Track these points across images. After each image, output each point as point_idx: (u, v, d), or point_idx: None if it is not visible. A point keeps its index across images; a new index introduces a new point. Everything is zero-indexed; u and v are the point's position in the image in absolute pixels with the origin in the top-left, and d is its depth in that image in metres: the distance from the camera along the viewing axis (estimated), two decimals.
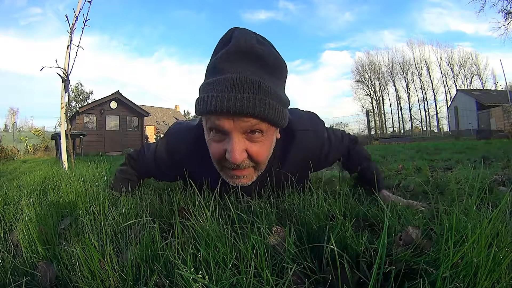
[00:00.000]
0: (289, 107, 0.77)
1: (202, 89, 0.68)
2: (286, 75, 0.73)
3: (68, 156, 2.50)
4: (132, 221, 0.80)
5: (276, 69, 0.67)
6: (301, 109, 0.99)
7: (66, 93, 2.49)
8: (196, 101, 0.68)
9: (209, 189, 0.85)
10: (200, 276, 0.50)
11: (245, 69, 0.62)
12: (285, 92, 0.73)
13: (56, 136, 6.37)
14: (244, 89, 0.61)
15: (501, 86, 29.97)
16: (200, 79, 0.74)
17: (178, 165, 0.92)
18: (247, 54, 0.63)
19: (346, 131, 1.16)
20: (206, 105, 0.63)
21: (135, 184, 1.11)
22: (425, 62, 37.87)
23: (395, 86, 39.24)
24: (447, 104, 33.99)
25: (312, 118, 0.94)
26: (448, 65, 36.94)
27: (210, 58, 0.70)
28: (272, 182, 0.86)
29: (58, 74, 2.44)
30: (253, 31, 0.69)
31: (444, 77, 37.01)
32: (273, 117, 0.64)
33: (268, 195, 0.88)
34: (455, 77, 36.50)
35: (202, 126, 0.76)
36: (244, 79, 0.61)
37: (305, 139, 0.86)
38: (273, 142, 0.75)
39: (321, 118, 0.98)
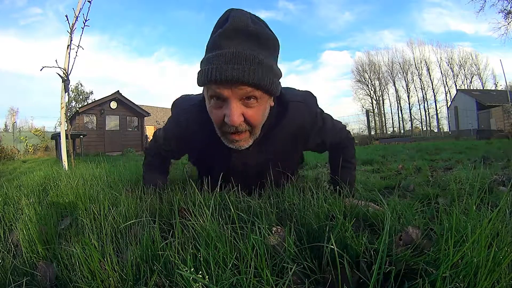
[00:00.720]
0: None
1: (203, 63, 0.76)
2: (279, 50, 0.81)
3: (68, 156, 2.50)
4: (132, 221, 0.80)
5: (268, 44, 0.76)
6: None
7: (66, 93, 2.49)
8: (198, 73, 0.76)
9: (216, 168, 0.96)
10: (200, 276, 0.50)
11: (240, 44, 0.71)
12: (278, 65, 0.81)
13: (56, 136, 6.37)
14: (240, 61, 0.70)
15: (501, 86, 29.99)
16: None
17: (186, 139, 1.00)
18: (242, 32, 0.71)
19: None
20: (207, 76, 0.72)
21: (165, 169, 1.20)
22: (425, 62, 37.90)
23: (395, 86, 39.29)
24: (447, 104, 34.02)
25: (306, 93, 1.00)
26: (448, 65, 36.98)
27: (209, 36, 0.78)
28: (268, 150, 0.94)
29: (58, 74, 2.44)
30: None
31: (444, 77, 37.04)
32: (265, 85, 0.73)
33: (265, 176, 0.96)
34: (455, 77, 36.53)
35: (204, 99, 0.85)
36: (240, 53, 0.70)
37: (297, 110, 0.92)
38: (267, 109, 0.83)
39: (315, 96, 1.02)
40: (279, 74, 0.80)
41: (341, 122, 1.13)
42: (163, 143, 1.10)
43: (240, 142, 0.83)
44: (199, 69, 0.77)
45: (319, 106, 1.03)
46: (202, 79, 0.74)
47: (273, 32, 0.79)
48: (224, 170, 0.96)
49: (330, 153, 1.15)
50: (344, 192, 0.85)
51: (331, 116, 1.08)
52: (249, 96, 0.74)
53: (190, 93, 1.09)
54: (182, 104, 1.01)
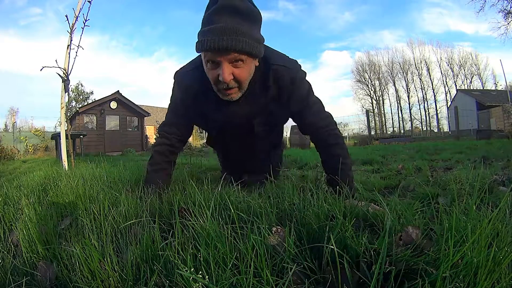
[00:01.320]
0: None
1: (200, 35, 0.93)
2: (261, 20, 0.98)
3: (68, 156, 2.49)
4: (132, 221, 0.80)
5: (250, 17, 0.92)
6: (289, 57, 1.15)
7: (66, 93, 2.49)
8: (196, 43, 0.94)
9: (211, 124, 1.22)
10: (200, 276, 0.50)
11: (227, 19, 0.88)
12: (261, 33, 0.99)
13: (56, 136, 6.37)
14: (228, 33, 0.87)
15: (501, 86, 29.99)
16: None
17: (191, 101, 1.18)
18: (229, 8, 0.89)
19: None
20: (203, 46, 0.90)
21: (168, 170, 1.27)
22: (425, 62, 37.88)
23: (395, 86, 39.27)
24: (447, 104, 34.02)
25: (291, 60, 1.12)
26: (448, 65, 36.96)
27: (204, 12, 0.95)
28: (254, 102, 1.10)
29: (58, 74, 2.44)
30: None
31: (444, 77, 37.03)
32: (248, 50, 0.91)
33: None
34: (455, 77, 36.51)
35: (200, 64, 1.03)
36: (227, 26, 0.88)
37: (278, 72, 1.07)
38: (252, 69, 1.01)
39: (299, 65, 1.13)
40: (261, 40, 0.97)
41: (323, 107, 1.21)
42: (173, 116, 1.25)
43: (231, 95, 1.02)
44: (197, 39, 0.94)
45: (304, 78, 1.14)
46: (200, 48, 0.93)
47: (255, 6, 0.97)
48: (221, 121, 1.17)
49: (323, 151, 1.18)
50: (344, 193, 0.85)
51: (312, 90, 1.17)
52: (237, 59, 0.93)
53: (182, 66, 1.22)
54: (184, 71, 1.19)
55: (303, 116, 1.15)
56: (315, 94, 1.18)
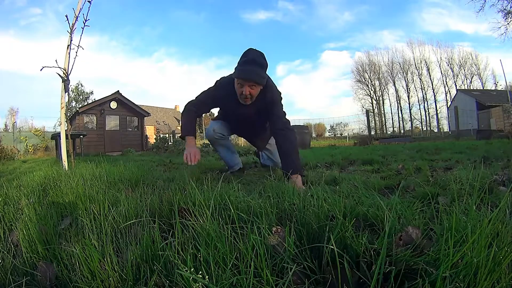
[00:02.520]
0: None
1: (237, 68, 1.72)
2: (267, 67, 1.75)
3: (68, 156, 2.49)
4: (132, 221, 0.80)
5: (262, 66, 1.72)
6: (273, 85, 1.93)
7: (66, 93, 2.49)
8: (234, 73, 1.73)
9: (229, 110, 2.04)
10: (200, 276, 0.50)
11: (251, 66, 1.68)
12: (266, 73, 1.78)
13: (56, 136, 6.37)
14: (250, 73, 1.68)
15: (501, 86, 29.98)
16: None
17: (216, 94, 1.95)
18: (254, 61, 1.68)
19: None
20: (239, 75, 1.71)
21: (194, 122, 1.98)
22: (425, 62, 37.87)
23: (395, 86, 39.26)
24: (447, 104, 33.99)
25: (275, 88, 1.93)
26: (448, 65, 36.94)
27: (238, 60, 1.72)
28: (256, 107, 1.90)
29: (58, 74, 2.44)
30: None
31: (444, 77, 37.01)
32: (259, 82, 1.73)
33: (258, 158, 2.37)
34: (455, 77, 36.50)
35: (232, 81, 1.82)
36: (251, 69, 1.68)
37: (268, 92, 1.85)
38: (258, 91, 1.79)
39: (280, 95, 1.94)
40: (265, 78, 1.77)
41: (285, 115, 1.93)
42: (204, 98, 1.98)
43: (247, 102, 1.82)
44: (235, 71, 1.73)
45: (280, 99, 1.93)
46: (237, 76, 1.73)
47: (265, 59, 1.74)
48: (233, 114, 2.04)
49: (280, 142, 1.83)
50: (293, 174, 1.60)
51: (282, 106, 1.95)
52: (252, 85, 1.73)
53: (225, 75, 1.99)
54: (221, 80, 1.97)
55: (274, 118, 1.90)
56: (284, 108, 1.97)
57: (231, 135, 2.41)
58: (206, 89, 1.99)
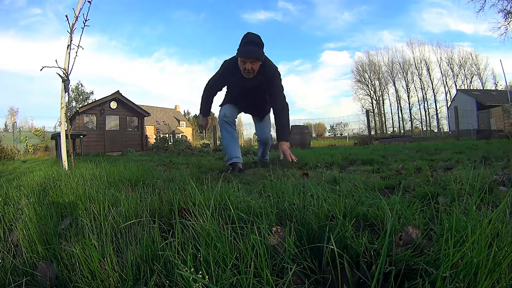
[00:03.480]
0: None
1: (239, 49, 2.16)
2: (263, 46, 2.19)
3: (68, 156, 2.49)
4: (132, 221, 0.80)
5: (259, 45, 2.16)
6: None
7: (66, 93, 2.49)
8: (237, 52, 2.17)
9: (235, 85, 2.40)
10: (200, 276, 0.50)
11: (252, 46, 2.14)
12: (263, 51, 2.23)
13: (56, 136, 6.37)
14: (253, 52, 2.13)
15: (501, 86, 30.00)
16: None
17: (225, 72, 2.37)
18: (253, 42, 2.14)
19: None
20: (242, 54, 2.15)
21: (211, 99, 2.58)
22: (425, 62, 37.87)
23: (395, 86, 39.26)
24: (447, 104, 33.99)
25: (273, 65, 2.35)
26: (448, 65, 36.95)
27: (240, 42, 2.18)
28: (257, 80, 2.28)
29: (58, 74, 2.44)
30: (252, 31, 2.42)
31: (444, 77, 37.02)
32: (258, 58, 2.17)
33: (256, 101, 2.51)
34: (455, 77, 36.50)
35: (235, 61, 2.26)
36: (252, 48, 2.14)
37: (267, 67, 2.27)
38: (259, 65, 2.21)
39: (278, 70, 2.37)
40: (263, 54, 2.19)
41: (283, 90, 2.41)
42: (215, 78, 2.46)
43: (249, 76, 2.21)
44: (238, 51, 2.16)
45: (279, 74, 2.37)
46: (240, 54, 2.14)
47: (262, 40, 2.17)
48: (239, 88, 2.38)
49: (277, 116, 2.37)
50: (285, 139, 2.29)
51: (281, 80, 2.39)
52: (253, 61, 2.15)
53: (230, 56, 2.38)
54: (226, 62, 2.38)
55: (274, 93, 2.38)
56: (283, 84, 2.41)
57: (239, 113, 2.71)
58: (215, 72, 2.48)
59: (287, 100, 2.41)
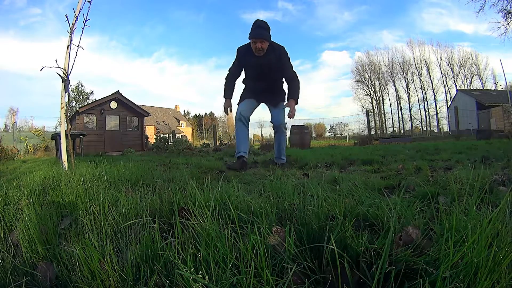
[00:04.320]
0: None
1: (251, 33, 2.61)
2: (270, 29, 2.67)
3: (68, 156, 2.49)
4: (132, 221, 0.80)
5: (267, 28, 2.65)
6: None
7: (66, 93, 2.49)
8: (249, 34, 2.63)
9: (249, 64, 2.83)
10: (200, 276, 0.50)
11: (260, 29, 2.61)
12: (270, 33, 2.71)
13: (56, 136, 6.36)
14: (261, 33, 2.61)
15: (501, 86, 30.00)
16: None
17: (239, 56, 2.84)
18: (261, 26, 2.64)
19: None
20: (253, 35, 2.61)
21: (233, 84, 2.99)
22: (425, 62, 37.86)
23: (395, 86, 39.25)
24: (447, 104, 33.98)
25: (280, 45, 2.77)
26: (448, 65, 36.94)
27: (251, 27, 2.64)
28: (268, 58, 2.70)
29: (58, 74, 2.44)
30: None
31: (444, 77, 37.01)
32: (267, 38, 2.64)
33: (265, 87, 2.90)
34: (455, 77, 36.49)
35: (247, 45, 2.78)
36: (260, 31, 2.61)
37: (276, 48, 2.73)
38: (268, 44, 2.67)
39: (284, 47, 2.79)
40: (270, 36, 2.66)
41: (292, 67, 2.85)
42: (234, 63, 2.92)
43: (260, 54, 2.66)
44: (250, 33, 2.62)
45: (287, 53, 2.78)
46: (250, 36, 2.62)
47: (269, 25, 2.67)
48: (254, 67, 2.79)
49: (289, 83, 2.83)
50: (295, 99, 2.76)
51: (289, 58, 2.82)
52: (263, 41, 2.61)
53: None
54: (239, 47, 2.84)
55: (284, 68, 2.79)
56: (293, 64, 2.87)
57: (254, 108, 3.03)
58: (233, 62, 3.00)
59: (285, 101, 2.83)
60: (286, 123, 2.97)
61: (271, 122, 2.99)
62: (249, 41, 2.66)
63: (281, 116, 2.91)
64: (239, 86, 3.07)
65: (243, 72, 2.94)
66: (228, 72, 2.94)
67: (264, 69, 2.74)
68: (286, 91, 2.88)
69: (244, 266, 0.53)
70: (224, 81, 2.93)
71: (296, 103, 2.74)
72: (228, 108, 2.91)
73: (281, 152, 2.98)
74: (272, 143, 3.20)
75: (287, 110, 2.75)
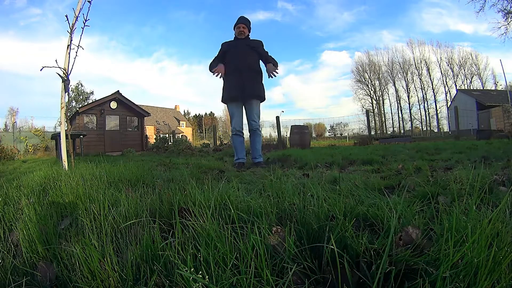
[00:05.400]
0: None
1: (236, 24, 3.43)
2: (250, 23, 3.50)
3: (68, 156, 2.49)
4: (132, 221, 0.80)
5: (248, 22, 3.45)
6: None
7: (66, 93, 2.49)
8: (235, 23, 3.45)
9: (231, 47, 3.40)
10: (200, 276, 0.50)
11: (242, 19, 3.42)
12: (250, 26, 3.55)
13: (56, 136, 6.37)
14: (243, 20, 3.41)
15: (501, 86, 30.01)
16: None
17: (223, 46, 3.42)
18: (243, 17, 3.44)
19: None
20: (235, 24, 3.44)
21: (218, 61, 3.38)
22: (425, 62, 37.85)
23: (395, 86, 39.24)
24: (447, 104, 33.98)
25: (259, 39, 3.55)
26: (448, 65, 36.93)
27: (235, 21, 3.47)
28: (248, 43, 3.37)
29: (58, 74, 2.44)
30: (252, 31, 3.60)
31: (444, 77, 37.01)
32: (247, 25, 3.43)
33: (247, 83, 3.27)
34: (455, 77, 36.48)
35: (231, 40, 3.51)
36: (243, 19, 3.42)
37: (254, 39, 3.45)
38: (249, 32, 3.47)
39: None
40: (250, 25, 3.45)
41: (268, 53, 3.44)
42: (218, 52, 3.43)
43: (242, 36, 3.37)
44: (235, 23, 3.43)
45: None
46: (234, 24, 3.43)
47: (249, 20, 3.48)
48: (235, 46, 3.35)
49: (268, 60, 3.31)
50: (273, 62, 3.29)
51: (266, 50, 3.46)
52: (243, 26, 3.37)
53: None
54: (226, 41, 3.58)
55: (261, 51, 3.34)
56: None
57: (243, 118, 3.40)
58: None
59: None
60: (259, 125, 3.38)
61: (247, 121, 3.35)
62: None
63: (255, 113, 3.26)
64: (220, 84, 3.46)
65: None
66: (212, 60, 3.37)
67: (244, 48, 3.27)
68: (264, 86, 3.35)
69: (244, 266, 0.53)
70: (209, 67, 3.33)
71: (276, 67, 3.22)
72: (219, 68, 3.17)
73: (257, 152, 3.29)
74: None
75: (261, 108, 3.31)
